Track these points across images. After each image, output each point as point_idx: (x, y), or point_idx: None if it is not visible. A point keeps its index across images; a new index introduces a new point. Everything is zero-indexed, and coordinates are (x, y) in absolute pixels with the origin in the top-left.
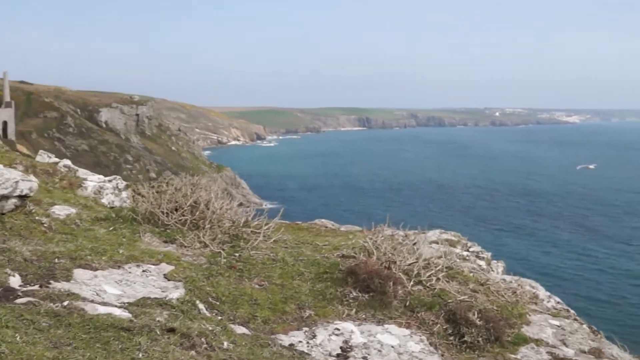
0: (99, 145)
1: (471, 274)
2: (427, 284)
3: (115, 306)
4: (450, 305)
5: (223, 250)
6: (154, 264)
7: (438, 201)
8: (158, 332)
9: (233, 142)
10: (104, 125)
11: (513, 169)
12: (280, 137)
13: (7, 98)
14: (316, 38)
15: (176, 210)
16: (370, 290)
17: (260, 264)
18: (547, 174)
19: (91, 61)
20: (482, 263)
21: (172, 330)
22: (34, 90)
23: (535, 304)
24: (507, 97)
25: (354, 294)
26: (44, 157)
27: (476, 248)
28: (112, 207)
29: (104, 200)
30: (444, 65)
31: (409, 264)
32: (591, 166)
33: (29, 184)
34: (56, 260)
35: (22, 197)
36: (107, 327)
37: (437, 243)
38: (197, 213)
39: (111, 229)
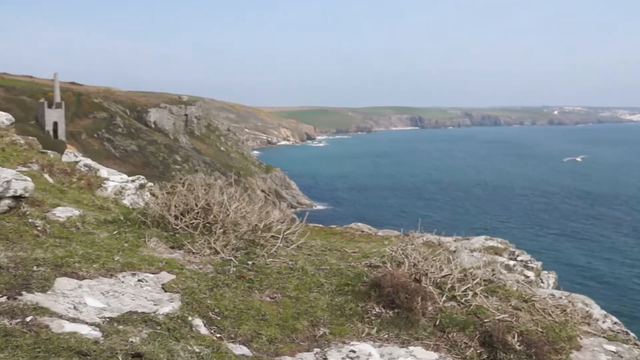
0: (147, 146)
1: (514, 288)
2: (462, 300)
3: (87, 323)
4: (486, 325)
5: (235, 257)
6: (152, 273)
7: (491, 204)
8: (120, 359)
9: (283, 142)
10: (152, 126)
11: (571, 170)
12: (331, 137)
13: (58, 99)
14: (367, 36)
15: (188, 213)
16: (395, 305)
17: (276, 274)
18: (607, 176)
19: (141, 62)
20: (531, 274)
21: (138, 356)
22: (83, 91)
23: (588, 324)
24: (566, 95)
25: (377, 309)
26: (70, 157)
27: (525, 256)
28: (133, 209)
29: (126, 201)
30: (499, 63)
31: (442, 276)
32: (578, 158)
33: (23, 183)
34: (35, 268)
35: (18, 198)
36: (60, 351)
37: (480, 251)
38: (211, 217)
39: (115, 232)
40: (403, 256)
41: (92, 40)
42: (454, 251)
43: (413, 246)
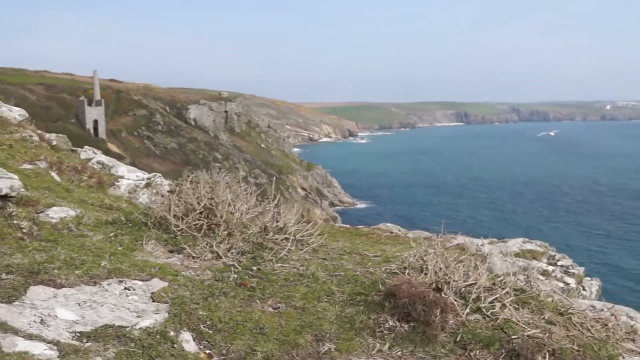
0: (187, 143)
1: (550, 299)
2: (488, 312)
3: (46, 341)
4: (514, 342)
5: (239, 262)
6: (142, 280)
7: (537, 204)
8: None
9: (324, 139)
10: (192, 123)
11: (625, 169)
12: (373, 134)
13: (98, 97)
14: (410, 31)
15: (191, 213)
16: (411, 318)
17: (282, 281)
18: None
19: (181, 58)
20: (571, 281)
21: None
22: (123, 89)
23: (633, 341)
24: (619, 89)
25: (391, 322)
26: (88, 153)
27: (566, 261)
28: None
29: (140, 200)
30: (549, 56)
31: (467, 285)
32: (552, 133)
33: (9, 182)
34: (4, 275)
35: (4, 198)
36: None
37: (517, 255)
38: (216, 218)
39: (112, 235)
40: (422, 262)
41: (132, 36)
42: (486, 256)
43: (435, 251)
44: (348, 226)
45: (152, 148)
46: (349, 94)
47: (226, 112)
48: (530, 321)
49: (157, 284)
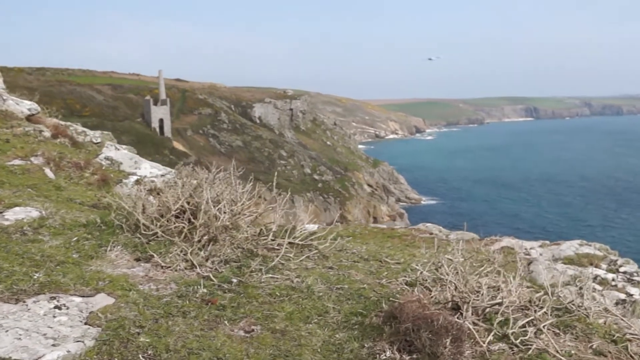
0: (252, 141)
1: (601, 320)
2: (518, 340)
3: None
4: None
5: (218, 272)
6: (83, 296)
7: (607, 202)
8: None
9: (391, 136)
10: (257, 121)
11: None
12: (441, 130)
13: (163, 96)
14: (476, 26)
15: (176, 216)
16: (414, 349)
17: (266, 296)
18: None
19: (247, 58)
20: (636, 291)
21: None
22: (188, 88)
23: None
24: None
25: (388, 353)
26: (110, 150)
27: (630, 267)
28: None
29: (150, 198)
30: (622, 48)
31: (493, 304)
32: (434, 57)
33: None
34: None
35: None
36: None
37: (572, 261)
38: (200, 221)
39: (74, 239)
40: (438, 273)
41: (198, 37)
42: (530, 262)
43: (454, 258)
44: (383, 226)
45: (217, 146)
46: (416, 91)
47: (291, 110)
48: (573, 352)
49: (101, 301)
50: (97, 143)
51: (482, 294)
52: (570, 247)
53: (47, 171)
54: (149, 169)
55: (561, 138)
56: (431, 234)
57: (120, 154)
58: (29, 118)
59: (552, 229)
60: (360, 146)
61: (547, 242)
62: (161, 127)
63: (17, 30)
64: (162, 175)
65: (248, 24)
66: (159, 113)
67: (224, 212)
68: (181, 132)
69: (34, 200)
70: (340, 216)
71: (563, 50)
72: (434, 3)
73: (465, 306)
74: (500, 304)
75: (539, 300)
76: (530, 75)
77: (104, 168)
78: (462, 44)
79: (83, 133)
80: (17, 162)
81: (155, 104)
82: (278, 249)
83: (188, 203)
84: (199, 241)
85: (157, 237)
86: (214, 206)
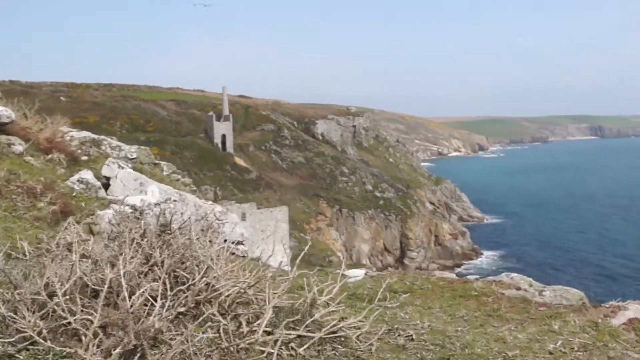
0: (314, 158)
1: None
2: None
3: None
4: None
5: None
6: None
7: None
8: None
9: (454, 154)
10: (320, 137)
11: None
12: (504, 148)
13: (226, 112)
14: (540, 44)
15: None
16: None
17: None
18: None
19: (312, 76)
20: None
21: None
22: (252, 104)
23: None
24: None
25: None
26: (112, 168)
27: None
28: None
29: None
30: None
31: None
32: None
33: None
34: None
35: None
36: None
37: None
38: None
39: None
40: None
41: (262, 54)
42: None
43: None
44: (452, 276)
45: (279, 162)
46: (479, 108)
47: (354, 126)
48: None
49: None
50: (133, 159)
51: None
52: None
53: None
54: (148, 195)
55: (629, 158)
56: (518, 288)
57: (123, 173)
58: (3, 128)
59: (620, 253)
60: (422, 164)
61: None
62: (223, 142)
63: (88, 47)
64: (155, 205)
65: (313, 41)
66: (222, 129)
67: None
68: (243, 148)
69: None
70: (402, 234)
71: (630, 67)
72: (496, 18)
73: None
74: None
75: None
76: (595, 93)
77: (74, 194)
78: (525, 61)
79: (118, 148)
80: None
81: (218, 119)
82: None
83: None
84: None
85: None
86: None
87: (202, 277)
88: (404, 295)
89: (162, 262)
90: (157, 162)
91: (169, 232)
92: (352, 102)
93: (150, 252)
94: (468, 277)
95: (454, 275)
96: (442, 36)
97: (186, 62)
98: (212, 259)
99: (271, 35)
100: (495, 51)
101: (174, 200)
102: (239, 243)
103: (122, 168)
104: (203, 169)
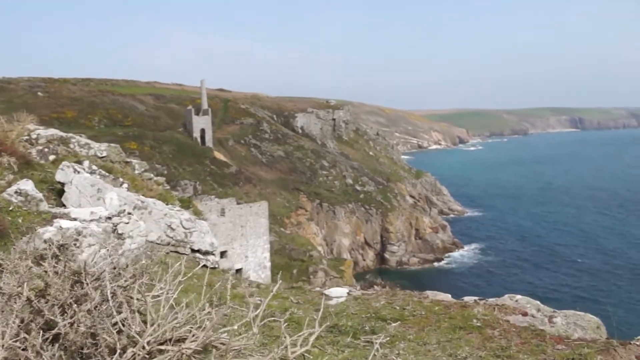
0: (294, 151)
1: None
2: None
3: None
4: None
5: None
6: None
7: None
8: None
9: (434, 147)
10: (299, 131)
11: None
12: (484, 141)
13: (205, 106)
14: (521, 37)
15: None
16: None
17: None
18: None
19: (291, 70)
20: None
21: None
22: (231, 98)
23: None
24: None
25: None
26: (66, 173)
27: None
28: None
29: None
30: None
31: None
32: None
33: None
34: None
35: None
36: None
37: None
38: None
39: None
40: None
41: (241, 47)
42: None
43: None
44: (448, 298)
45: (258, 156)
46: (459, 101)
47: (334, 120)
48: None
49: None
50: (102, 157)
51: None
52: None
53: None
54: (106, 203)
55: (610, 151)
56: (525, 314)
57: (79, 178)
58: None
59: (601, 247)
60: (403, 157)
61: None
62: (202, 137)
63: (65, 42)
64: (107, 219)
65: (291, 36)
66: (201, 123)
67: None
68: (223, 142)
69: None
70: (382, 228)
71: (609, 60)
72: (477, 12)
73: None
74: None
75: None
76: (576, 85)
77: (11, 208)
78: (506, 54)
79: (87, 146)
80: None
81: (197, 113)
82: None
83: None
84: None
85: None
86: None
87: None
88: (394, 325)
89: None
90: (128, 160)
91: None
92: (331, 95)
93: (52, 317)
94: (466, 299)
95: (449, 296)
96: (423, 29)
97: (164, 56)
98: (140, 321)
99: (250, 28)
100: (476, 44)
101: (129, 213)
102: (208, 253)
103: (78, 173)
104: (182, 164)
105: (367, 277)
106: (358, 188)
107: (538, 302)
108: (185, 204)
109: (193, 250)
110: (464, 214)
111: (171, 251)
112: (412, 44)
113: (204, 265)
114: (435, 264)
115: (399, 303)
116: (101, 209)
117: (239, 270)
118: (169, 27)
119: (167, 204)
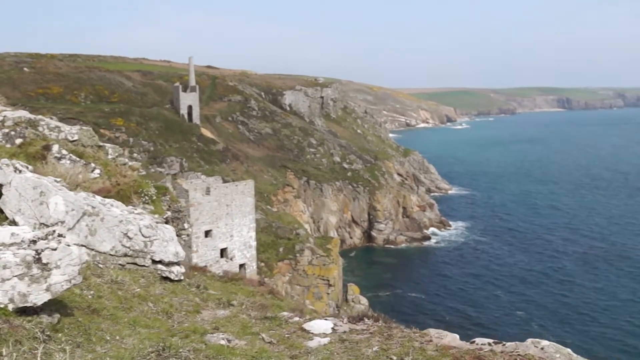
0: (282, 129)
1: None
2: None
3: None
4: None
5: None
6: None
7: None
8: None
9: (422, 125)
10: (287, 109)
11: None
12: (472, 120)
13: (192, 83)
14: (509, 16)
15: None
16: None
17: None
18: None
19: (280, 46)
20: None
21: None
22: (219, 75)
23: None
24: None
25: None
26: (5, 173)
27: None
28: None
29: None
30: None
31: None
32: None
33: None
34: None
35: None
36: None
37: None
38: None
39: None
40: None
41: (231, 23)
42: None
43: None
44: (457, 341)
45: (246, 133)
46: (448, 80)
47: (322, 97)
48: None
49: None
50: (73, 141)
51: None
52: None
53: None
54: (29, 229)
55: (598, 130)
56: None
57: (20, 180)
58: None
59: (585, 228)
60: (390, 135)
61: None
62: (190, 113)
63: (54, 18)
64: (29, 244)
65: (280, 12)
66: (188, 100)
67: None
68: (210, 119)
69: None
70: (370, 206)
71: (597, 40)
72: None
73: None
74: None
75: None
76: (563, 65)
77: None
78: (493, 33)
79: (57, 129)
80: None
81: (185, 90)
82: None
83: None
84: None
85: None
86: None
87: None
88: None
89: None
90: (101, 144)
91: None
92: (320, 73)
93: None
94: (478, 341)
95: (457, 337)
96: (412, 9)
97: (152, 33)
98: None
99: (240, 3)
100: (461, 23)
101: (59, 235)
102: (172, 264)
103: (20, 172)
104: (169, 140)
105: (354, 308)
106: (346, 166)
107: (569, 351)
108: (161, 191)
109: (154, 262)
110: (450, 191)
111: (128, 263)
112: (400, 22)
113: (167, 278)
114: (424, 242)
115: (396, 350)
116: (26, 228)
117: (223, 250)
118: (158, 5)
119: (140, 191)
